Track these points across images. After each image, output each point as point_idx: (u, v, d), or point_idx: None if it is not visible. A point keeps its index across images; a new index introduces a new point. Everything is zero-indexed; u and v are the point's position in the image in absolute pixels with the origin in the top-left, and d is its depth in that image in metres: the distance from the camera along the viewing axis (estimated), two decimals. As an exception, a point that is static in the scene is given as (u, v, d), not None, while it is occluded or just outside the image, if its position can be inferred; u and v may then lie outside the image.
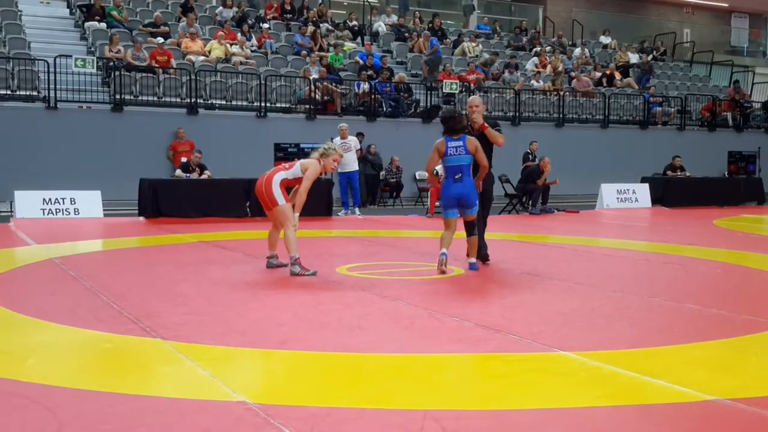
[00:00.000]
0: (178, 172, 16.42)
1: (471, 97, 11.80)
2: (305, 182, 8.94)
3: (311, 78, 20.71)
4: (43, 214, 15.20)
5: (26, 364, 5.26)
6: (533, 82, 25.38)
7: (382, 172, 20.66)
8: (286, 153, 16.02)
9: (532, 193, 18.56)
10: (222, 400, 4.47)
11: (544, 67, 26.69)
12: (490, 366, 5.32)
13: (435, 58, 24.06)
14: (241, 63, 20.94)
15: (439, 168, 16.97)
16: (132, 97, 18.92)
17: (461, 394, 4.67)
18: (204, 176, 16.25)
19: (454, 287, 8.32)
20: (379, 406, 4.43)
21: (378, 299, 7.53)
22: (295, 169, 9.03)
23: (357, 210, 17.55)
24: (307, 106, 20.51)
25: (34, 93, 18.16)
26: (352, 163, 17.36)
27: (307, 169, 8.96)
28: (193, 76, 19.36)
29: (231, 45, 21.54)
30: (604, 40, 31.67)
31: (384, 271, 9.35)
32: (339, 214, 17.07)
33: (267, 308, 7.22)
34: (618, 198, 20.58)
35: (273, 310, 7.10)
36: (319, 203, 15.65)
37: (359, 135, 19.99)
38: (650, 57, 30.57)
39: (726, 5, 38.22)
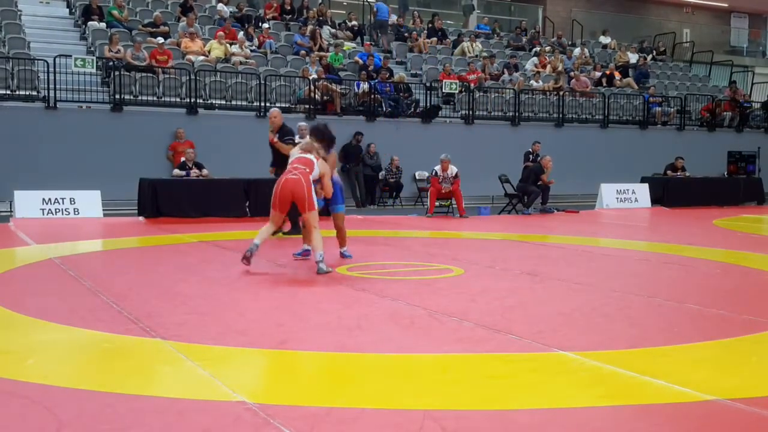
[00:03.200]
0: (176, 171, 16.42)
1: (272, 110, 13.49)
2: (327, 179, 9.36)
3: (310, 78, 20.71)
4: (43, 214, 15.19)
5: (26, 363, 5.26)
6: (533, 82, 25.38)
7: (382, 172, 20.66)
8: (285, 153, 16.00)
9: (531, 194, 18.55)
10: (222, 400, 4.47)
11: (544, 67, 26.70)
12: (489, 366, 5.32)
13: (377, 22, 24.67)
14: (241, 63, 20.93)
15: (438, 168, 17.09)
16: (132, 97, 18.90)
17: (461, 394, 4.66)
18: (202, 174, 16.22)
19: (454, 287, 8.32)
20: (379, 406, 4.43)
21: (378, 299, 7.53)
22: (315, 172, 9.15)
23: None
24: (307, 106, 20.50)
25: (34, 93, 18.14)
26: None
27: (323, 169, 9.29)
28: (192, 76, 19.35)
29: (230, 45, 21.54)
30: (604, 40, 31.67)
31: (384, 271, 9.36)
32: None
33: (267, 308, 7.22)
34: (618, 198, 20.59)
35: (273, 310, 7.10)
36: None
37: (358, 134, 20.02)
38: (649, 57, 30.59)
39: (725, 5, 38.23)
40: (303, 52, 22.62)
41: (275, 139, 12.55)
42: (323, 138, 9.56)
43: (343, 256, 10.32)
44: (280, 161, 11.96)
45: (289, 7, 25.16)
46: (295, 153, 9.54)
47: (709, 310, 7.20)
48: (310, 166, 9.15)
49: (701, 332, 6.37)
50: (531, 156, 19.47)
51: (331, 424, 4.13)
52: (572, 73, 26.44)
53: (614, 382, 4.91)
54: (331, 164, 9.90)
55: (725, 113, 27.53)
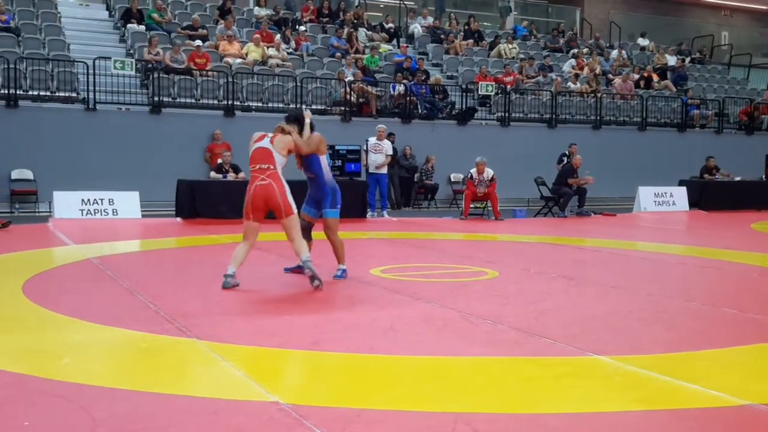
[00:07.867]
0: (213, 174, 16.53)
1: None
2: (296, 137, 8.84)
3: (346, 80, 20.75)
4: (82, 215, 15.36)
5: (61, 362, 5.33)
6: (570, 84, 25.22)
7: (417, 174, 20.65)
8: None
9: (564, 196, 18.40)
10: (255, 400, 4.50)
11: (581, 68, 26.53)
12: (523, 369, 5.30)
13: None
14: (278, 65, 21.04)
15: (473, 171, 17.02)
16: (170, 99, 19.07)
17: (494, 397, 4.66)
18: (239, 178, 16.30)
19: (488, 290, 8.30)
20: (411, 408, 4.43)
21: (411, 301, 7.53)
22: (279, 160, 8.72)
23: (385, 212, 17.57)
24: (343, 108, 20.55)
25: (74, 95, 18.36)
26: (381, 166, 17.36)
27: (285, 142, 8.80)
28: (230, 79, 19.48)
29: (267, 47, 21.66)
30: (642, 42, 31.40)
31: (417, 273, 9.35)
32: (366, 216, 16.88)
33: (300, 309, 7.25)
34: (655, 201, 20.40)
35: (306, 311, 7.12)
36: (353, 205, 15.66)
37: (390, 136, 19.99)
38: (687, 59, 30.27)
39: (765, 7, 37.72)
40: (339, 54, 22.68)
41: None
42: (292, 119, 9.17)
43: (335, 276, 8.83)
44: None
45: (326, 11, 25.26)
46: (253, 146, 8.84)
47: (746, 314, 7.12)
48: (271, 159, 8.65)
49: (737, 336, 6.29)
50: (566, 158, 19.33)
51: (362, 425, 4.14)
52: (610, 75, 26.23)
53: (649, 387, 4.87)
54: (316, 143, 9.00)
55: (763, 116, 27.18)
